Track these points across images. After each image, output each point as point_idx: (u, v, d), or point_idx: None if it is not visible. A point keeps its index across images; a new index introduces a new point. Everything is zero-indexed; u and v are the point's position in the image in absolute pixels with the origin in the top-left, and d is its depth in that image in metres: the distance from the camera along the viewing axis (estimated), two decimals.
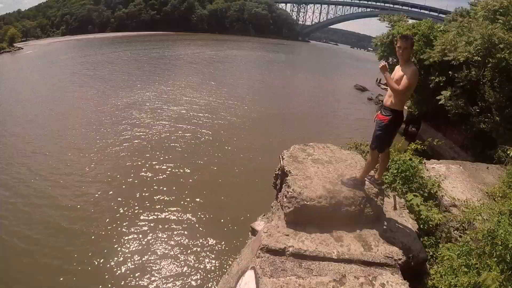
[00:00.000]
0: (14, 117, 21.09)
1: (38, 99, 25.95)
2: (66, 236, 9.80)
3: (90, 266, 8.71)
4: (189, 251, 9.40)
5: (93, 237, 9.81)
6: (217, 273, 8.59)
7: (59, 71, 37.95)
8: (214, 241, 9.83)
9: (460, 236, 5.47)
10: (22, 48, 70.94)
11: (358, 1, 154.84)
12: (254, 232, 5.07)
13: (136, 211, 11.04)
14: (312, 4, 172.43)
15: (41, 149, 16.00)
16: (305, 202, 4.29)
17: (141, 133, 18.07)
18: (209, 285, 8.24)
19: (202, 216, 11.03)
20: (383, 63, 4.31)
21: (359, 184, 4.65)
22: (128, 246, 9.52)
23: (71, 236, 9.79)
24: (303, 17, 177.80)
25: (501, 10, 14.48)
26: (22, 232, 9.97)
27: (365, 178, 4.74)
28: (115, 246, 9.46)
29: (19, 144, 16.64)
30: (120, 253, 9.21)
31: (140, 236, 9.95)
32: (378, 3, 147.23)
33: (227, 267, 8.16)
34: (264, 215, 5.40)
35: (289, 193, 4.42)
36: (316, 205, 4.30)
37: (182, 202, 11.74)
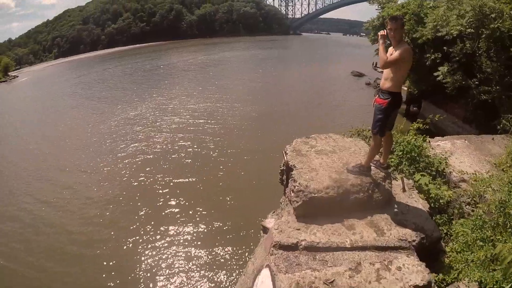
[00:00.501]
0: (13, 148, 21.27)
1: (35, 127, 26.17)
2: (78, 261, 9.80)
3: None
4: (204, 257, 9.47)
5: (103, 259, 9.78)
6: (234, 274, 8.60)
7: (54, 95, 38.38)
8: (228, 244, 9.86)
9: (473, 211, 5.42)
10: (17, 76, 71.74)
11: None
12: (265, 230, 5.06)
13: (147, 227, 11.05)
14: None
15: (43, 176, 16.06)
16: (313, 195, 4.28)
17: (141, 148, 18.07)
18: (227, 286, 8.25)
19: (213, 221, 11.07)
20: (382, 32, 4.26)
21: (365, 170, 4.62)
22: (142, 262, 9.55)
23: (82, 260, 9.79)
24: (292, 10, 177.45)
25: None
26: (35, 261, 9.98)
27: (371, 164, 4.71)
28: (130, 264, 9.47)
29: (21, 173, 16.75)
30: (136, 271, 9.24)
31: (154, 250, 9.99)
32: None
33: (243, 268, 8.18)
34: (274, 212, 5.39)
35: (296, 187, 4.41)
36: (324, 196, 4.28)
37: (190, 211, 11.77)
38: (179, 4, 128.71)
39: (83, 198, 13.49)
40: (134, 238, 10.44)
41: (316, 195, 4.28)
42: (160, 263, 9.37)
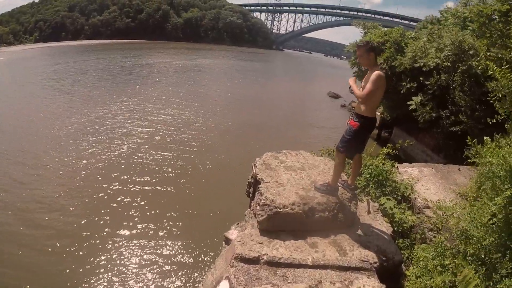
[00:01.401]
0: None
1: (6, 107, 24.83)
2: (38, 255, 9.21)
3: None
4: (162, 263, 9.11)
5: (61, 256, 9.23)
6: (192, 284, 8.37)
7: (27, 81, 36.50)
8: (188, 252, 9.57)
9: (435, 237, 5.52)
10: None
11: (331, 10, 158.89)
12: (228, 241, 4.96)
13: (106, 227, 10.54)
14: (286, 13, 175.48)
15: (6, 159, 15.19)
16: (278, 209, 4.24)
17: (106, 149, 17.11)
18: None
19: (175, 228, 10.74)
20: (351, 79, 4.48)
21: (332, 190, 4.63)
22: (97, 262, 9.05)
23: (42, 254, 9.21)
24: (277, 25, 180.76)
25: (470, 17, 15.01)
26: None
27: (338, 183, 4.72)
28: (86, 262, 8.98)
29: None
30: (88, 270, 8.74)
31: (111, 250, 9.52)
32: (351, 12, 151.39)
33: (202, 278, 7.97)
34: (238, 223, 5.31)
35: (262, 201, 4.36)
36: (290, 212, 4.25)
37: (153, 214, 11.39)
38: (167, 5, 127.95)
39: (44, 189, 12.78)
40: (87, 243, 9.80)
41: (281, 210, 4.24)
42: (113, 271, 8.80)
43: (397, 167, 7.41)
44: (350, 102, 36.02)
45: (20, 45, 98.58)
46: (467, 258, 4.12)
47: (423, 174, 8.14)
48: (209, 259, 9.00)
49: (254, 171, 5.24)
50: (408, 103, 16.14)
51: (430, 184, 7.59)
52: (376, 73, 4.16)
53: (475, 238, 4.08)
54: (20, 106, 25.12)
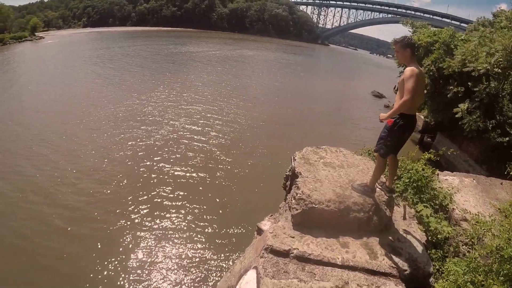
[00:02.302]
0: (23, 107, 21.34)
1: (48, 89, 26.34)
2: (65, 237, 9.57)
3: (90, 269, 8.51)
4: (192, 247, 9.45)
5: (93, 239, 9.54)
6: (220, 270, 8.61)
7: (74, 62, 38.66)
8: (220, 239, 9.85)
9: (468, 252, 5.35)
10: (43, 38, 73.07)
11: (379, 7, 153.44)
12: (260, 231, 5.06)
13: (139, 215, 10.88)
14: (333, 8, 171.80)
15: (43, 141, 15.91)
16: (314, 205, 4.28)
17: (147, 133, 17.71)
18: (211, 282, 8.25)
19: (210, 214, 11.04)
20: (382, 115, 4.40)
21: (370, 191, 4.61)
22: (131, 245, 9.44)
23: (69, 237, 9.58)
24: (323, 20, 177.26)
25: None
26: (19, 229, 9.81)
27: (376, 185, 4.69)
28: (113, 250, 9.23)
29: (23, 134, 16.67)
30: (124, 253, 9.14)
31: (146, 234, 9.92)
32: (399, 10, 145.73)
33: (230, 265, 8.17)
34: (272, 215, 5.39)
35: (298, 195, 4.40)
36: (325, 208, 4.28)
37: (187, 204, 11.70)
38: None
39: (79, 172, 13.24)
40: (123, 225, 10.23)
41: (316, 206, 4.27)
42: (145, 252, 9.18)
43: (438, 174, 7.19)
44: (394, 102, 34.81)
45: (69, 30, 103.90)
46: (500, 278, 3.98)
47: (463, 185, 7.85)
48: (239, 247, 9.17)
49: (292, 164, 5.27)
50: (455, 110, 15.44)
51: (470, 196, 7.32)
52: (408, 68, 4.06)
53: (510, 258, 3.94)
54: (60, 90, 26.30)
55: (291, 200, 4.57)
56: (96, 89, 26.69)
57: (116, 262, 8.73)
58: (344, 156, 5.74)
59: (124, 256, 8.97)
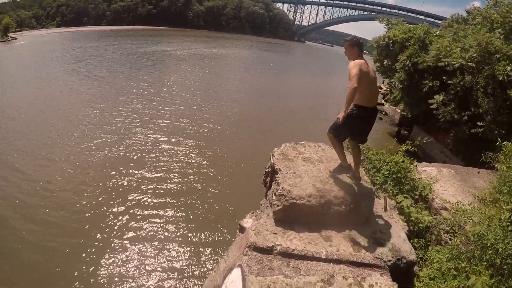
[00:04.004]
0: None
1: (25, 90, 25.43)
2: (37, 254, 8.88)
3: (75, 269, 8.25)
4: (176, 248, 9.25)
5: (70, 254, 8.93)
6: (204, 270, 8.47)
7: (47, 63, 37.39)
8: (202, 238, 9.67)
9: (450, 239, 5.44)
10: (16, 38, 70.49)
11: (355, 4, 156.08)
12: (242, 229, 4.99)
13: (124, 212, 10.65)
14: (309, 5, 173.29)
15: (11, 149, 14.93)
16: (294, 201, 4.23)
17: (120, 139, 16.79)
18: (196, 282, 8.11)
19: (190, 213, 10.84)
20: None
21: (344, 168, 4.80)
22: (111, 246, 9.17)
23: (43, 254, 8.90)
24: (300, 17, 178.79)
25: (499, 21, 14.51)
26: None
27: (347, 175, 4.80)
28: (102, 245, 9.11)
29: (4, 136, 16.00)
30: (103, 252, 8.90)
31: (127, 234, 9.67)
32: (375, 7, 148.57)
33: (215, 264, 8.05)
34: (253, 212, 5.32)
35: (279, 191, 4.35)
36: (306, 203, 4.24)
37: (169, 199, 11.52)
38: None
39: (49, 183, 12.36)
40: (103, 227, 9.90)
41: (297, 201, 4.23)
42: (127, 254, 8.94)
43: (416, 165, 7.29)
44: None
45: (42, 30, 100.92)
46: (483, 263, 4.05)
47: (442, 175, 8.01)
48: (222, 246, 9.06)
49: (271, 161, 5.23)
50: (430, 101, 15.78)
51: (448, 186, 7.47)
52: (350, 63, 4.32)
53: (491, 244, 4.01)
54: (29, 93, 25.11)
55: (272, 197, 4.52)
56: (66, 92, 25.67)
57: (94, 269, 8.40)
58: (323, 151, 5.72)
59: (101, 258, 8.69)
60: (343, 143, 4.81)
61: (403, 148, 7.09)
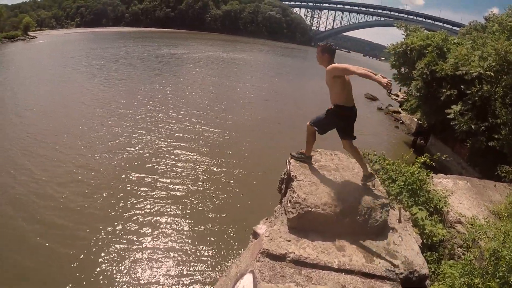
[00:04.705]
0: (4, 109, 20.77)
1: (41, 89, 26.08)
2: (42, 256, 9.00)
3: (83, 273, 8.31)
4: (188, 252, 9.36)
5: (84, 242, 9.29)
6: (216, 274, 8.54)
7: (65, 63, 38.32)
8: (215, 242, 9.78)
9: (463, 254, 5.38)
10: (36, 37, 72.64)
11: (372, 10, 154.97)
12: (255, 235, 5.02)
13: (135, 213, 10.78)
14: (326, 10, 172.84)
15: (24, 149, 15.16)
16: (310, 209, 4.24)
17: (134, 140, 16.98)
18: (206, 286, 8.18)
19: (204, 217, 10.97)
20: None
21: (306, 158, 5.23)
22: (124, 247, 9.30)
23: (46, 255, 9.02)
24: (317, 22, 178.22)
25: None
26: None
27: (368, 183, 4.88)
28: (107, 255, 9.04)
29: (18, 135, 16.29)
30: (115, 253, 9.04)
31: (138, 237, 9.79)
32: (392, 13, 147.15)
33: (226, 268, 8.11)
34: (267, 218, 5.36)
35: (294, 199, 4.37)
36: (321, 212, 4.25)
37: (182, 203, 11.63)
38: None
39: (58, 184, 12.47)
40: (113, 229, 9.99)
41: (312, 209, 4.25)
42: (137, 258, 9.01)
43: (432, 177, 7.23)
44: (387, 105, 35.07)
45: (62, 29, 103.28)
46: (496, 280, 4.01)
47: (457, 187, 7.91)
48: (234, 251, 9.15)
49: (288, 167, 5.24)
50: (447, 111, 15.60)
51: (464, 199, 7.38)
52: (329, 66, 4.58)
53: (505, 261, 3.97)
54: (46, 92, 25.74)
55: (287, 204, 4.54)
56: (82, 92, 26.16)
57: (107, 272, 8.54)
58: (339, 159, 5.72)
59: (114, 266, 8.74)
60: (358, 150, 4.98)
61: (420, 160, 7.02)
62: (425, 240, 5.37)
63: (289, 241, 4.17)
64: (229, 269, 5.10)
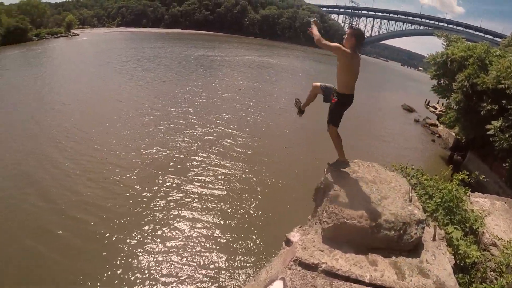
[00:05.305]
0: (44, 103, 21.91)
1: (79, 85, 27.25)
2: (83, 236, 9.60)
3: (109, 273, 8.57)
4: (217, 254, 9.51)
5: (104, 252, 9.33)
6: (244, 277, 8.65)
7: (106, 60, 39.99)
8: (246, 246, 9.90)
9: (496, 279, 5.25)
10: (78, 35, 76.24)
11: (411, 18, 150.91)
12: (288, 242, 5.12)
13: (170, 215, 11.00)
14: (365, 18, 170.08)
15: (57, 143, 15.76)
16: (345, 220, 4.29)
17: (167, 141, 17.29)
18: None
19: (234, 221, 11.11)
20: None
21: (341, 163, 5.30)
22: (158, 250, 9.50)
23: (90, 237, 9.60)
24: None
25: None
26: (17, 234, 9.64)
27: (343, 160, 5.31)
28: (135, 255, 9.26)
29: (37, 135, 16.68)
30: (148, 258, 9.20)
31: (168, 238, 10.02)
32: (432, 21, 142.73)
33: (255, 273, 8.22)
34: (300, 227, 5.43)
35: (330, 209, 4.42)
36: (356, 224, 4.28)
37: (213, 206, 11.80)
38: (245, 1, 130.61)
39: (88, 180, 12.92)
40: (145, 228, 10.26)
41: (348, 221, 4.29)
42: (166, 258, 9.21)
43: (469, 195, 7.05)
44: (424, 117, 34.07)
45: (103, 28, 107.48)
46: None
47: (494, 208, 7.69)
48: (264, 256, 9.22)
49: (325, 176, 5.27)
50: (487, 126, 15.01)
51: (500, 220, 7.17)
52: (341, 45, 4.81)
53: None
54: (84, 88, 26.79)
55: (322, 214, 4.59)
56: (119, 90, 27.08)
57: (135, 271, 8.75)
58: (377, 171, 5.69)
59: (144, 267, 8.95)
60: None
61: (459, 177, 6.82)
62: (458, 261, 5.26)
63: (322, 251, 4.23)
64: (259, 274, 5.20)
